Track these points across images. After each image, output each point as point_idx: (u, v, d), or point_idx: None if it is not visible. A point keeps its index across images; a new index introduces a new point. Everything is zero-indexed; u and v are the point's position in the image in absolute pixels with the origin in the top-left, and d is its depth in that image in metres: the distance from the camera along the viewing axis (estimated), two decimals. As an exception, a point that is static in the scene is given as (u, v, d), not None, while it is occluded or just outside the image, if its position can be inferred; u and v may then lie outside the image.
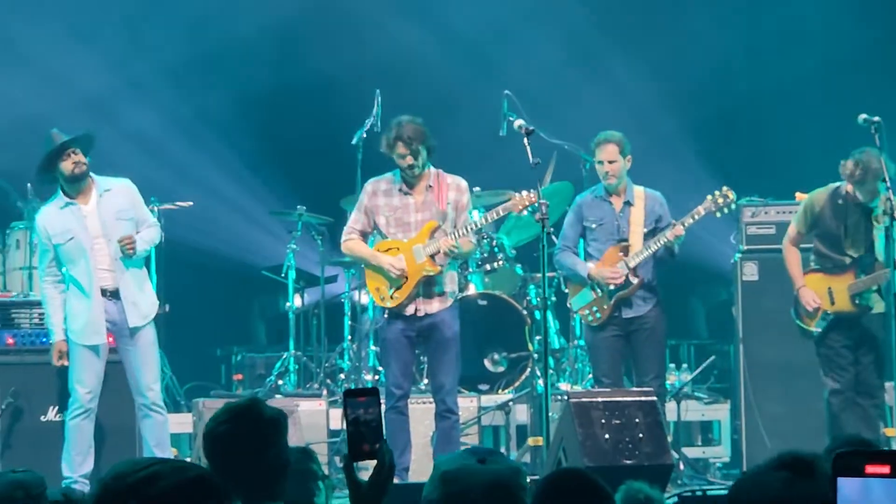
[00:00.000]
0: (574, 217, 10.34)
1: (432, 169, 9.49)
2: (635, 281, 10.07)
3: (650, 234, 10.09)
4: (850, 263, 10.16)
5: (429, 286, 9.45)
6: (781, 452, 3.07)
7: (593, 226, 10.23)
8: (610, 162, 10.09)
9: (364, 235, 9.63)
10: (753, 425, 11.17)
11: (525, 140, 9.18)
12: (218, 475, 3.84)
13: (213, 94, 13.40)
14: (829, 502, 2.64)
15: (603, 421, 9.01)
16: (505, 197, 9.90)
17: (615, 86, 13.36)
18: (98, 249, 9.48)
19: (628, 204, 10.20)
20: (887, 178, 9.87)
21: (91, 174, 9.55)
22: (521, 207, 9.48)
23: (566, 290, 11.20)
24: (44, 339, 10.12)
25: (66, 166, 9.45)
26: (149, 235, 9.65)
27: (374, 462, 3.74)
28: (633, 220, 10.18)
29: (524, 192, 9.44)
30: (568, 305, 10.78)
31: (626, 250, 10.12)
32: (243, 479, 4.37)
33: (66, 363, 9.57)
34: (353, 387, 11.16)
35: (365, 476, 3.76)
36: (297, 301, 12.22)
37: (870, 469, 2.60)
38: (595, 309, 10.17)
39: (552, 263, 10.13)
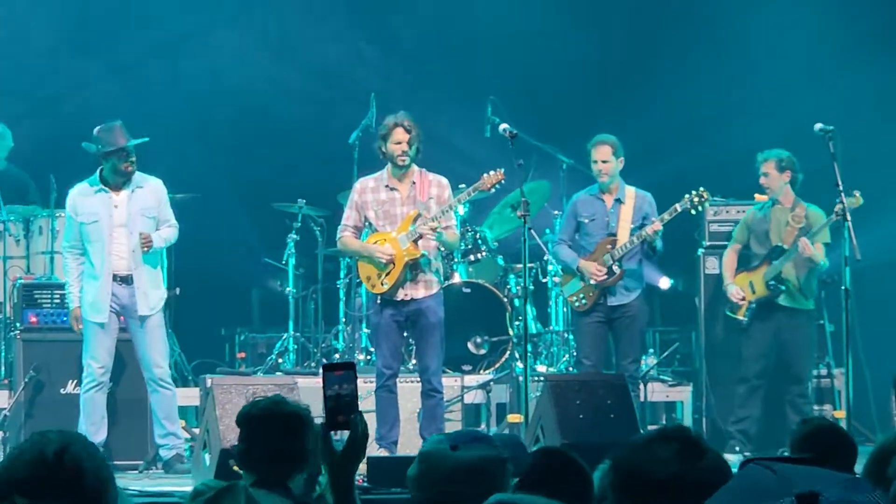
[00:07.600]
0: (570, 213, 10.87)
1: (416, 167, 9.95)
2: (617, 272, 10.58)
3: (638, 230, 10.57)
4: (764, 256, 10.93)
5: (415, 274, 9.84)
6: (667, 426, 3.00)
7: (586, 220, 10.74)
8: (604, 161, 10.61)
9: (357, 230, 10.02)
10: (712, 406, 11.49)
11: (510, 142, 9.68)
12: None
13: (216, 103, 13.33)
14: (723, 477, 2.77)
15: (578, 402, 9.44)
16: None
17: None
18: (117, 237, 9.93)
19: (619, 201, 10.68)
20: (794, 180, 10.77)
21: None
22: (489, 185, 9.97)
23: (543, 280, 11.82)
24: (64, 318, 10.51)
25: (124, 167, 9.92)
26: (167, 234, 10.12)
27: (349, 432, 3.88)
28: (622, 217, 10.66)
29: (491, 173, 9.94)
30: (560, 292, 11.30)
31: (613, 243, 10.61)
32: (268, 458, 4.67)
33: (82, 327, 9.99)
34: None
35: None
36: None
37: None
38: (582, 296, 10.66)
39: (532, 255, 10.61)
